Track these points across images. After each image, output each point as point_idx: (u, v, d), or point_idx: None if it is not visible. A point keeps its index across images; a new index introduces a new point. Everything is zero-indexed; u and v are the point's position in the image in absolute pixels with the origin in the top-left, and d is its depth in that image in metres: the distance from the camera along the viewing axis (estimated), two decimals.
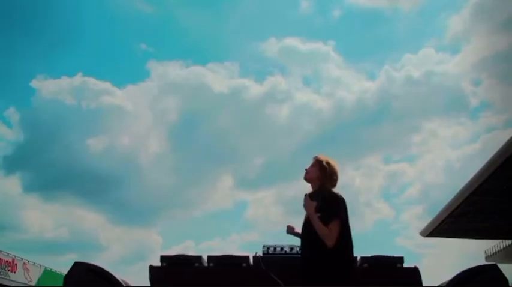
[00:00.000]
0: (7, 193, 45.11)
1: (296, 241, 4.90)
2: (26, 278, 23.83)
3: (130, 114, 51.97)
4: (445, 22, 59.87)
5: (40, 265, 25.74)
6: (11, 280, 22.24)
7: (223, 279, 4.40)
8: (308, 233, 3.33)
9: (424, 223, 29.19)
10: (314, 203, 3.28)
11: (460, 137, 56.78)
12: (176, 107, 53.24)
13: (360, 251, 4.70)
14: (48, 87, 51.00)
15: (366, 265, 4.44)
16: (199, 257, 4.54)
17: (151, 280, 4.35)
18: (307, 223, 3.36)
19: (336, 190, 3.41)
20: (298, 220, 3.59)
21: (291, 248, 4.80)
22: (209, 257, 4.56)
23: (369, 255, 4.53)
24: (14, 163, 46.96)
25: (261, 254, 4.58)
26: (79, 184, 45.19)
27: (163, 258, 4.49)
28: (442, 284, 3.79)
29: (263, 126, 53.74)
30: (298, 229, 3.60)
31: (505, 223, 25.76)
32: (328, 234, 3.15)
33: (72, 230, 48.05)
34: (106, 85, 56.37)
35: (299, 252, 4.83)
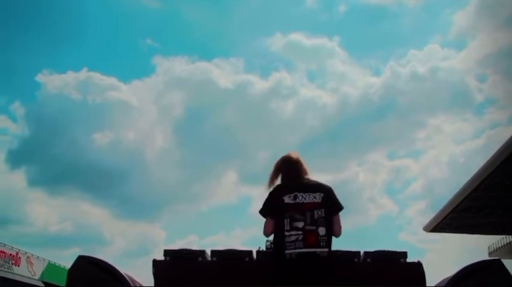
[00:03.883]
0: (12, 187, 45.34)
1: None
2: (30, 271, 23.96)
3: (136, 109, 52.18)
4: (450, 18, 59.74)
5: (44, 259, 25.86)
6: (15, 274, 22.37)
7: (226, 273, 4.41)
8: None
9: (428, 218, 29.21)
10: None
11: (464, 132, 56.77)
12: (181, 103, 53.40)
13: (364, 246, 4.71)
14: (54, 82, 51.27)
15: (369, 259, 4.44)
16: (203, 252, 4.54)
17: (154, 273, 4.36)
18: None
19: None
20: None
21: None
22: (212, 252, 4.56)
23: (372, 250, 4.53)
24: (19, 157, 47.22)
25: (264, 249, 4.59)
26: (84, 178, 45.41)
27: (166, 252, 4.49)
28: (445, 278, 3.78)
29: (268, 121, 53.83)
30: None
31: (508, 219, 25.71)
32: None
33: (76, 224, 48.32)
34: (112, 80, 56.59)
35: None
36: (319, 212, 3.25)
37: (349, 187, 54.06)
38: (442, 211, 26.21)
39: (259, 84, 57.08)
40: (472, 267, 3.58)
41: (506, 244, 31.42)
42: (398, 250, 4.51)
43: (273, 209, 3.38)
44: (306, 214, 3.25)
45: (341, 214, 3.43)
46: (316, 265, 3.17)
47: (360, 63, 67.89)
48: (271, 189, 3.49)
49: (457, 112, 57.37)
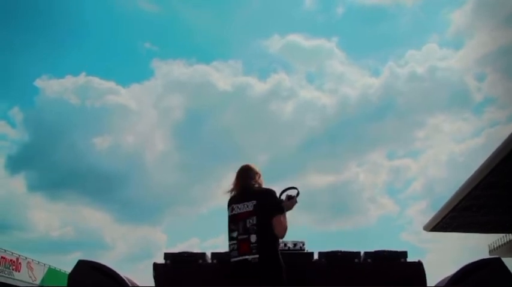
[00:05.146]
0: (12, 193, 45.31)
1: (299, 237, 4.90)
2: (30, 277, 23.90)
3: (135, 113, 52.21)
4: (447, 17, 59.91)
5: (44, 264, 25.81)
6: (16, 279, 22.31)
7: (226, 276, 4.40)
8: None
9: (428, 217, 29.24)
10: None
11: (464, 131, 56.87)
12: (181, 105, 53.44)
13: (364, 246, 4.70)
14: (53, 87, 51.25)
15: (369, 260, 4.44)
16: (203, 254, 4.54)
17: (155, 277, 4.35)
18: None
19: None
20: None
21: (294, 244, 4.80)
22: (213, 254, 4.56)
23: (372, 250, 4.52)
24: (19, 162, 47.27)
25: None
26: (84, 182, 45.41)
27: (166, 255, 4.48)
28: (446, 278, 3.78)
29: (267, 123, 53.92)
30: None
31: (507, 217, 25.73)
32: None
33: (77, 229, 48.27)
34: (110, 84, 56.90)
35: (302, 248, 4.85)
36: (251, 220, 3.38)
37: (349, 188, 54.18)
38: (442, 210, 26.23)
39: (258, 86, 57.21)
40: (472, 266, 3.57)
41: (507, 242, 31.42)
42: (399, 249, 4.50)
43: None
44: (238, 224, 3.41)
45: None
46: (246, 271, 3.31)
47: (358, 64, 68.17)
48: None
49: (456, 111, 57.55)
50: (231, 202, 3.55)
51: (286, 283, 3.36)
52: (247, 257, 3.31)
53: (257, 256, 3.28)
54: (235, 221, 3.44)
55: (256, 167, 3.73)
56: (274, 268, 3.32)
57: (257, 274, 3.27)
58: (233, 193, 3.62)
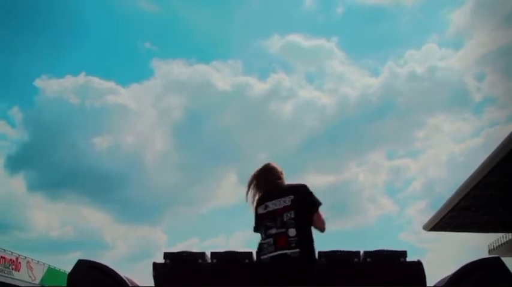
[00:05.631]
0: (12, 192, 45.36)
1: None
2: (30, 276, 23.94)
3: (135, 112, 52.29)
4: (447, 17, 60.00)
5: (44, 263, 25.84)
6: (15, 279, 22.34)
7: (226, 275, 4.41)
8: None
9: (428, 217, 29.22)
10: None
11: (463, 131, 56.93)
12: (180, 105, 53.53)
13: (364, 246, 4.70)
14: (52, 87, 51.32)
15: (368, 259, 4.44)
16: (203, 254, 4.54)
17: (154, 276, 4.36)
18: None
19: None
20: None
21: None
22: (212, 254, 4.56)
23: (372, 250, 4.53)
24: (18, 162, 47.40)
25: None
26: (84, 182, 45.47)
27: (166, 255, 4.48)
28: (445, 277, 3.78)
29: (267, 123, 53.97)
30: None
31: (507, 217, 25.74)
32: None
33: (77, 229, 48.34)
34: (110, 84, 57.06)
35: None
36: (289, 214, 3.32)
37: (349, 187, 54.25)
38: (441, 209, 26.24)
39: (257, 86, 57.32)
40: (472, 265, 3.57)
41: (506, 241, 31.44)
42: (398, 249, 4.51)
43: (256, 223, 3.54)
44: (276, 219, 3.34)
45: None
46: (286, 266, 3.22)
47: (358, 64, 68.29)
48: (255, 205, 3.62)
49: (455, 111, 57.65)
50: (263, 200, 3.49)
51: (324, 282, 3.33)
52: (286, 251, 3.22)
53: (297, 250, 3.21)
54: (272, 217, 3.36)
55: (278, 165, 3.70)
56: (314, 264, 3.28)
57: (297, 269, 3.19)
58: (261, 192, 3.59)
